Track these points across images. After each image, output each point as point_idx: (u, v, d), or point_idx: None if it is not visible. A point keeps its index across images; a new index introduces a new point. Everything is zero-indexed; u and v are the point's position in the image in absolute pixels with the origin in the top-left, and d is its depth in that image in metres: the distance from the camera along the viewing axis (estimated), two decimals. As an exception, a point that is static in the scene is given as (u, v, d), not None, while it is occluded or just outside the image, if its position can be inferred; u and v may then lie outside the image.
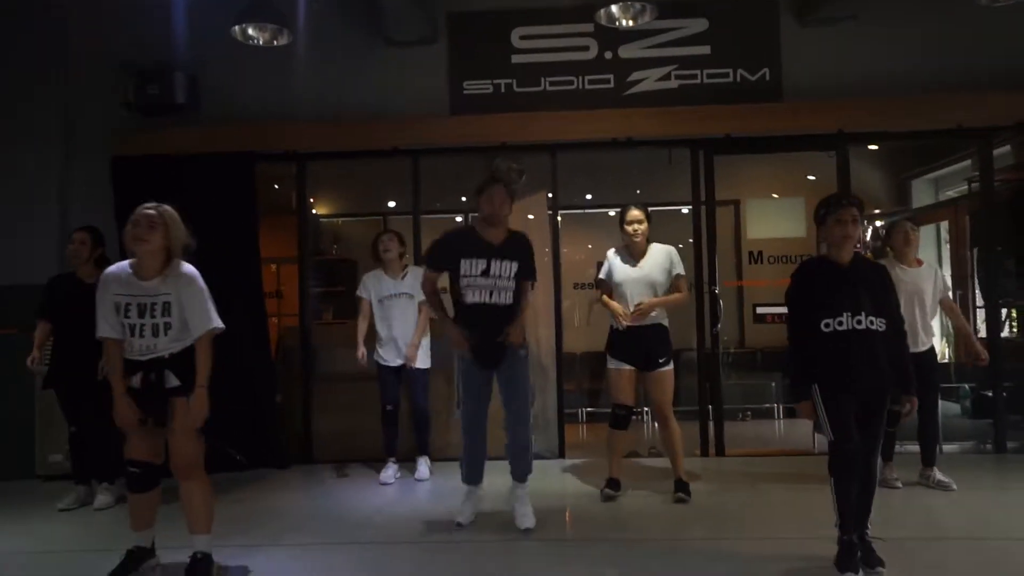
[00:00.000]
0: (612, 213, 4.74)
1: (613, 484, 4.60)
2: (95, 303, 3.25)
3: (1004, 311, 6.16)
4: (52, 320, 4.74)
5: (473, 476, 4.09)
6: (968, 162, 6.60)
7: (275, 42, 5.33)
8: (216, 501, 3.40)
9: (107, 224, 5.48)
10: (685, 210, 6.59)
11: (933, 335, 4.69)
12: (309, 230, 6.64)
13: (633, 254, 4.63)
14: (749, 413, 7.52)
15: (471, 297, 3.92)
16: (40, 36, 6.01)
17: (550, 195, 6.11)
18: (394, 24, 5.94)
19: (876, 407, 3.24)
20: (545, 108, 5.96)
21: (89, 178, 5.96)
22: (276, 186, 6.84)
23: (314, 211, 7.87)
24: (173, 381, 3.22)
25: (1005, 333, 6.18)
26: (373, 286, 5.30)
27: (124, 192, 5.81)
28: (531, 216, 6.36)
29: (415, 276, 5.09)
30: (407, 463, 5.36)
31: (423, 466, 5.32)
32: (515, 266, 3.94)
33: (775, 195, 7.51)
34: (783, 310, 3.49)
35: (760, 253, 7.31)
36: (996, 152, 5.90)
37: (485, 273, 3.90)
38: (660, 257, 4.59)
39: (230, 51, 5.52)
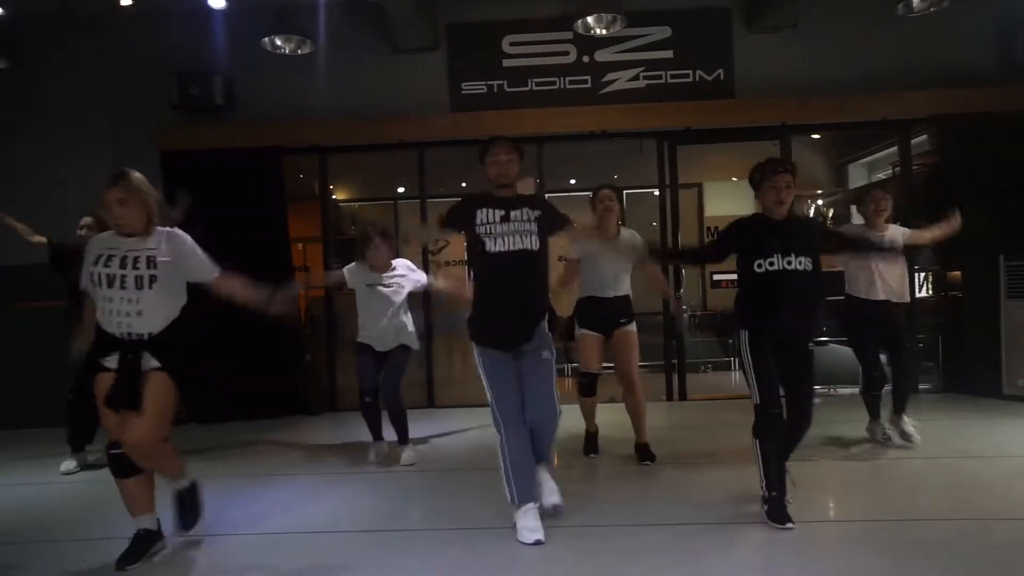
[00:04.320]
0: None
1: (592, 442, 4.48)
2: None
3: (920, 275, 6.58)
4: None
5: (525, 492, 3.09)
6: (895, 148, 6.98)
7: (299, 51, 5.65)
8: (182, 457, 3.08)
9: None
10: (656, 192, 6.93)
11: (907, 291, 4.52)
12: (330, 213, 6.93)
13: (606, 232, 4.25)
14: (710, 366, 7.99)
15: (492, 245, 3.11)
16: (95, 43, 6.27)
17: (537, 180, 6.45)
18: (401, 34, 6.23)
19: (802, 351, 3.09)
20: (532, 106, 6.27)
21: (138, 169, 6.15)
22: (301, 176, 7.10)
23: (334, 197, 8.15)
24: (151, 363, 2.83)
25: (922, 294, 6.59)
26: (359, 275, 4.52)
27: (172, 182, 6.13)
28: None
29: (403, 266, 4.55)
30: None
31: (408, 452, 4.50)
32: (537, 212, 3.20)
33: (734, 178, 7.91)
34: (734, 276, 3.25)
35: (718, 228, 7.69)
36: (915, 140, 6.30)
37: (505, 219, 3.15)
38: (630, 240, 4.31)
39: (261, 59, 5.80)
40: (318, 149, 6.43)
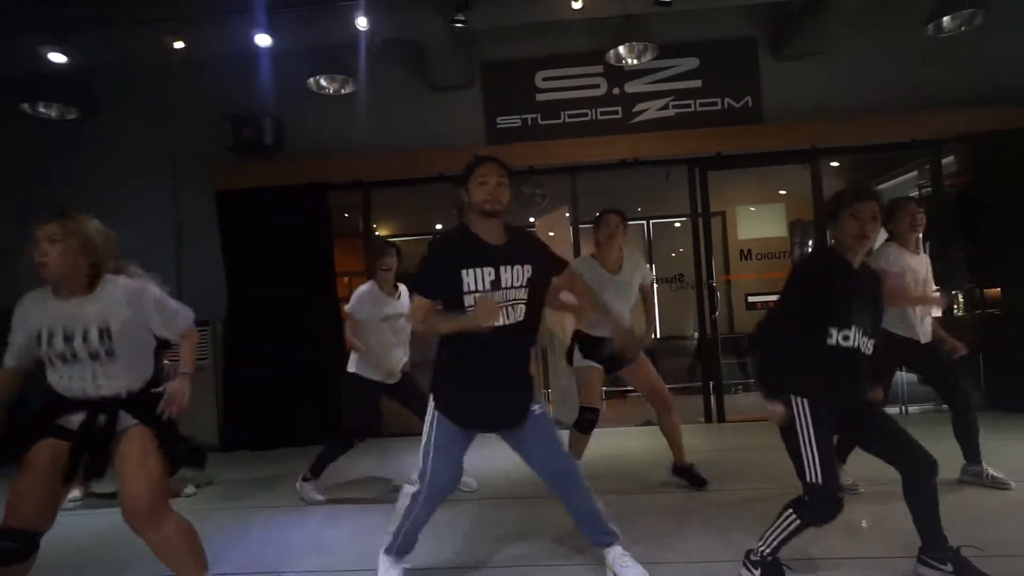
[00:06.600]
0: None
1: None
2: None
3: (952, 294, 6.26)
4: None
5: (406, 551, 2.74)
6: (915, 172, 6.76)
7: (343, 90, 5.62)
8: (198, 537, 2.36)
9: (215, 246, 5.84)
10: (678, 223, 6.76)
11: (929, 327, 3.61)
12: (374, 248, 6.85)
13: (606, 263, 3.78)
14: (740, 387, 7.68)
15: None
16: (156, 91, 6.34)
17: (567, 214, 6.30)
18: (438, 72, 6.20)
19: (861, 409, 2.52)
20: (565, 137, 6.17)
21: (196, 208, 6.26)
22: (346, 214, 7.02)
23: (377, 232, 8.10)
24: (128, 421, 2.28)
25: (956, 313, 6.30)
26: (373, 304, 3.92)
27: (227, 219, 6.11)
28: (552, 233, 6.59)
29: (407, 296, 3.99)
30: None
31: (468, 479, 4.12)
32: (528, 271, 2.54)
33: (751, 208, 7.66)
34: (774, 297, 2.78)
35: (750, 251, 7.48)
36: (943, 161, 6.06)
37: (495, 284, 2.48)
38: (638, 263, 3.88)
39: (307, 99, 5.78)
40: (361, 184, 6.35)
